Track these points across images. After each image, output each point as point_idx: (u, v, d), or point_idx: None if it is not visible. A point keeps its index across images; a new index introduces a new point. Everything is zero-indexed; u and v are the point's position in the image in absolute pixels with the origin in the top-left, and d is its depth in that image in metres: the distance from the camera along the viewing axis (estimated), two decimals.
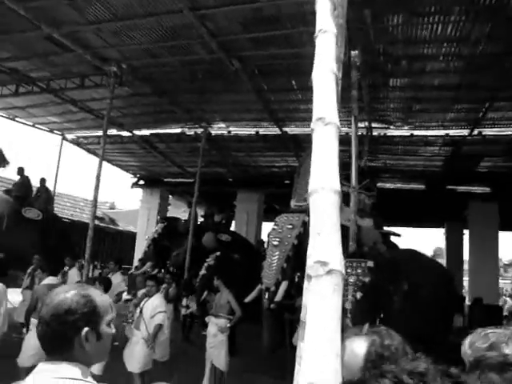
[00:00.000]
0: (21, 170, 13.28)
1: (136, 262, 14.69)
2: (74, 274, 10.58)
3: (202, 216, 18.62)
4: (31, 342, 5.93)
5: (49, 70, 11.32)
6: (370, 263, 5.98)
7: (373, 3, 7.12)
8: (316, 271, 1.16)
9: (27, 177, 13.38)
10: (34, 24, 8.61)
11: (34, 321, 6.30)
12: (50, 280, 7.22)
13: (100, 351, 1.74)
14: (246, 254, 13.60)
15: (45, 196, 13.35)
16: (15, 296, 10.04)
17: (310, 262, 1.19)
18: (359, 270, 5.97)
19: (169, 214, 22.02)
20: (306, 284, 2.65)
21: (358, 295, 5.77)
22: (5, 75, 11.67)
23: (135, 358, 6.57)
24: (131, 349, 6.71)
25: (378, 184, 16.50)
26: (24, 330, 6.31)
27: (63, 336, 1.63)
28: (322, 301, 1.13)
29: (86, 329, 1.63)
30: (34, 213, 11.96)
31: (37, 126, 16.10)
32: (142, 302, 6.97)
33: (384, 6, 7.31)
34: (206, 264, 11.31)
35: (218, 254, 11.58)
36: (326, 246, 1.19)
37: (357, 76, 7.74)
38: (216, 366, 7.49)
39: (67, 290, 1.70)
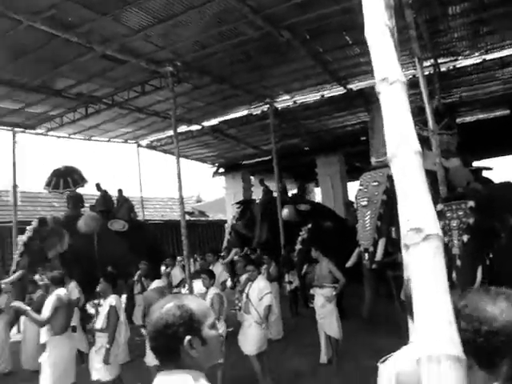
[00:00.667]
0: (99, 186, 13.66)
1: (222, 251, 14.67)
2: (177, 272, 10.97)
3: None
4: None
5: (110, 85, 11.73)
6: (471, 203, 5.69)
7: None
8: (412, 239, 1.12)
9: (106, 190, 13.75)
10: (87, 47, 8.92)
11: None
12: (156, 283, 7.55)
13: (209, 354, 1.79)
14: (330, 219, 13.50)
15: (126, 206, 13.61)
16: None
17: (403, 230, 1.15)
18: (460, 213, 5.68)
19: (254, 195, 22.32)
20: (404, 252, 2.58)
21: (465, 238, 5.51)
22: (73, 101, 12.27)
23: (250, 341, 6.73)
24: (245, 333, 6.89)
25: (458, 120, 15.77)
26: (143, 331, 6.65)
27: (168, 348, 1.72)
28: (425, 268, 1.09)
29: (187, 338, 1.70)
30: (119, 224, 12.20)
31: (112, 140, 16.85)
32: (247, 287, 7.12)
33: None
34: (299, 238, 11.32)
35: (309, 225, 11.49)
36: (417, 212, 1.14)
37: (412, 14, 7.36)
38: (330, 335, 7.59)
39: (163, 306, 1.77)
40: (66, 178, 12.54)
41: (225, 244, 13.44)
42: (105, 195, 13.58)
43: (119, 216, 12.91)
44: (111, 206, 13.39)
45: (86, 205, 13.67)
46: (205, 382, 1.72)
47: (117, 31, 8.72)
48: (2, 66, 9.67)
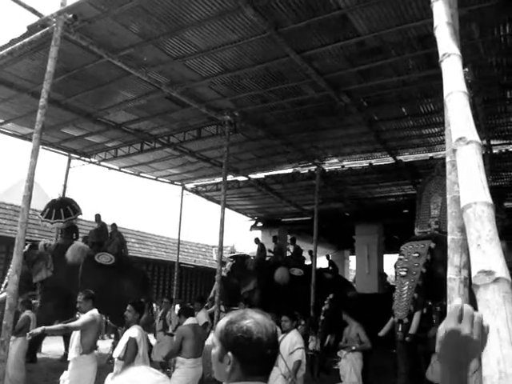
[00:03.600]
0: (98, 217, 13.71)
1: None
2: (202, 316, 10.96)
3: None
4: (180, 378, 6.50)
5: (169, 126, 12.21)
6: None
7: (479, 16, 6.93)
8: (482, 280, 1.20)
9: (104, 223, 13.78)
10: (155, 86, 9.41)
11: (180, 359, 6.73)
12: (190, 321, 7.53)
13: None
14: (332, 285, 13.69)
15: (117, 240, 13.45)
16: None
17: (474, 272, 1.24)
18: None
19: (288, 254, 22.28)
20: (449, 308, 2.63)
21: None
22: (131, 136, 12.81)
23: None
24: None
25: (507, 204, 15.57)
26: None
27: None
28: (493, 311, 1.17)
29: None
30: (106, 257, 12.10)
31: (159, 179, 17.30)
32: (279, 338, 7.08)
33: (492, 17, 7.08)
34: (323, 308, 11.17)
35: (331, 296, 11.31)
36: (488, 256, 1.23)
37: (470, 94, 7.50)
38: None
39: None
40: (59, 210, 12.62)
41: (211, 295, 13.12)
42: (100, 228, 13.55)
43: (109, 250, 12.78)
44: (104, 239, 13.30)
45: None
46: None
47: (185, 75, 9.20)
48: (74, 94, 10.28)
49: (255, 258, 15.40)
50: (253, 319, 1.70)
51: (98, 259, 11.91)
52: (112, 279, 11.43)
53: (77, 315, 8.40)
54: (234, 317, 1.74)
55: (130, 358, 5.83)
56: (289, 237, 22.90)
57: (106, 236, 13.42)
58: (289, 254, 17.47)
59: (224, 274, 13.32)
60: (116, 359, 5.99)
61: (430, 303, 7.52)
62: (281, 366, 6.71)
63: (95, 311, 6.33)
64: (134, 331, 5.99)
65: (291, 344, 6.80)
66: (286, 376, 6.60)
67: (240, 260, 14.12)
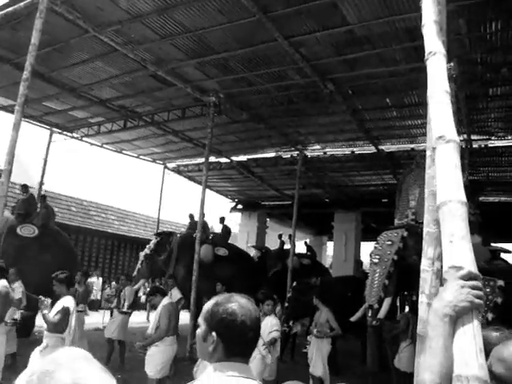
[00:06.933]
0: (25, 188, 13.12)
1: None
2: (176, 293, 10.90)
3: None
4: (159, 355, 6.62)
5: (153, 104, 12.14)
6: (501, 282, 5.64)
7: (467, 12, 7.01)
8: (452, 275, 1.28)
9: (32, 194, 13.29)
10: (141, 64, 9.34)
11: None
12: (168, 299, 7.49)
13: None
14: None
15: (43, 212, 12.90)
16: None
17: (445, 266, 1.31)
18: (487, 289, 5.61)
19: (267, 237, 22.41)
20: (421, 298, 2.72)
21: (490, 316, 5.45)
22: (114, 112, 12.71)
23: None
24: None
25: (481, 198, 15.86)
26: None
27: None
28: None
29: None
30: (28, 229, 11.76)
31: (141, 157, 17.22)
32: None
33: (479, 14, 7.17)
34: (287, 295, 11.26)
35: (295, 284, 11.40)
36: (458, 252, 1.30)
37: (453, 88, 7.59)
38: (314, 374, 7.72)
39: None
40: None
41: (135, 273, 12.86)
42: (28, 199, 12.96)
43: (34, 222, 12.31)
44: (32, 211, 12.75)
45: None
46: None
47: (171, 55, 9.15)
48: (58, 68, 10.16)
49: (182, 234, 15.24)
50: (238, 303, 1.78)
51: (19, 231, 11.57)
52: (33, 251, 11.18)
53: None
54: (220, 299, 1.81)
55: (59, 326, 5.67)
56: (268, 220, 23.13)
57: (34, 207, 12.92)
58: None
59: (147, 251, 13.13)
60: (45, 331, 5.81)
61: (405, 293, 7.73)
62: (259, 346, 6.82)
63: (0, 283, 5.95)
64: (67, 301, 5.83)
65: (271, 325, 6.94)
66: (264, 354, 6.72)
67: (165, 237, 13.94)
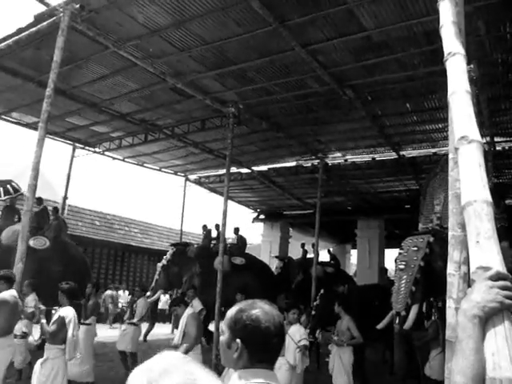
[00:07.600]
0: (39, 201, 12.87)
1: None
2: (197, 304, 10.83)
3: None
4: None
5: (173, 117, 12.24)
6: None
7: (486, 13, 6.93)
8: (480, 276, 1.25)
9: (45, 207, 13.26)
10: (160, 77, 9.43)
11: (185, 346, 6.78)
12: (191, 309, 7.52)
13: None
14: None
15: (55, 224, 12.87)
16: None
17: (472, 267, 1.28)
18: None
19: (290, 246, 22.32)
20: (449, 303, 2.67)
21: None
22: (135, 126, 12.86)
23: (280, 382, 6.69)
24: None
25: (507, 201, 15.59)
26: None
27: None
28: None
29: None
30: (40, 241, 11.73)
31: (163, 169, 17.37)
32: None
33: (498, 14, 7.07)
34: (314, 303, 11.17)
35: (322, 292, 11.31)
36: (486, 253, 1.27)
37: (474, 90, 7.51)
38: None
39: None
40: (6, 186, 12.45)
41: (153, 284, 12.92)
42: (41, 211, 12.90)
43: (46, 234, 12.28)
44: (44, 223, 12.77)
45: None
46: None
47: (191, 67, 9.22)
48: (80, 84, 10.35)
49: (197, 245, 15.22)
50: (261, 309, 1.76)
51: (31, 243, 11.21)
52: (44, 263, 11.22)
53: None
54: (243, 306, 1.80)
55: (57, 337, 5.74)
56: (291, 230, 23.05)
57: (46, 220, 12.95)
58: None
59: (164, 262, 13.20)
60: (46, 344, 5.88)
61: (431, 299, 7.61)
62: (288, 355, 6.78)
63: (8, 292, 5.96)
64: (65, 310, 5.89)
65: (300, 335, 6.95)
66: (293, 364, 6.69)
67: (181, 248, 13.90)
